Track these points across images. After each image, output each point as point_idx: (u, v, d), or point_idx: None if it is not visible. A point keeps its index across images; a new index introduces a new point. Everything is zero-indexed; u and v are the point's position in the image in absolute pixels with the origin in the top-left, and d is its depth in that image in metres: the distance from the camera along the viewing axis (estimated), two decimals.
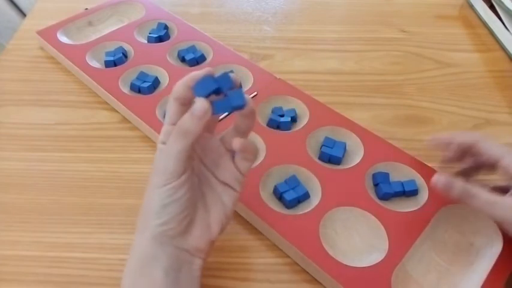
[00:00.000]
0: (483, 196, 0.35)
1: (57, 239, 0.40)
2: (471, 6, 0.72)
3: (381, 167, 0.44)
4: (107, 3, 0.66)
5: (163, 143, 0.31)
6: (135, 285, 0.30)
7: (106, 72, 0.54)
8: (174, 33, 0.61)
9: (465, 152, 0.40)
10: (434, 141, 0.42)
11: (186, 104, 0.31)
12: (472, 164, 0.41)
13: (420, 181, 0.42)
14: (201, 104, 0.29)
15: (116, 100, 0.51)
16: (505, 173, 0.36)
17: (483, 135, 0.39)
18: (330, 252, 0.37)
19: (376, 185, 0.43)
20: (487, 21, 0.68)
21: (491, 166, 0.38)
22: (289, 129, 0.48)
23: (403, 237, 0.38)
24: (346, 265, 0.36)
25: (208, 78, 0.30)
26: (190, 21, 0.64)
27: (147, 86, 0.51)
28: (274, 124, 0.48)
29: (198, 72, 0.30)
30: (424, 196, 0.41)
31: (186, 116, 0.30)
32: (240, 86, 0.31)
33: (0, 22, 1.01)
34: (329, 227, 0.39)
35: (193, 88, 0.30)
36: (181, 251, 0.31)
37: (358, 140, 0.46)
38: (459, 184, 0.35)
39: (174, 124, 0.31)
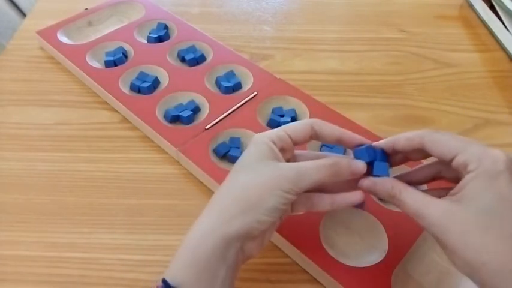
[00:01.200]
0: (414, 196, 0.29)
1: (57, 239, 0.40)
2: (471, 6, 0.72)
3: None
4: (106, 3, 0.66)
5: (274, 142, 0.32)
6: (199, 277, 0.29)
7: (106, 72, 0.54)
8: (174, 33, 0.61)
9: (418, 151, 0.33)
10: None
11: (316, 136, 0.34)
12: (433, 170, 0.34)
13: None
14: (362, 167, 0.32)
15: (116, 100, 0.51)
16: (459, 172, 0.29)
17: (434, 130, 0.32)
18: (330, 252, 0.37)
19: None
20: (487, 21, 0.68)
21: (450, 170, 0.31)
22: None
23: (403, 237, 0.38)
24: (346, 265, 0.36)
25: (370, 148, 0.33)
26: (190, 21, 0.64)
27: (147, 86, 0.51)
28: (274, 124, 0.48)
29: (362, 139, 0.34)
30: None
31: (345, 162, 0.32)
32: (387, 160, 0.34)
33: (0, 22, 1.01)
34: (329, 227, 0.39)
35: (355, 151, 0.34)
36: (241, 254, 0.31)
37: None
38: (385, 182, 0.31)
39: (289, 136, 0.33)
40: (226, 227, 0.29)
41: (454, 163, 0.29)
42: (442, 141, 0.30)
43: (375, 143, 0.34)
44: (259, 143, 0.32)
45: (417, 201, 0.29)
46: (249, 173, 0.31)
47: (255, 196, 0.30)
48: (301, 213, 0.36)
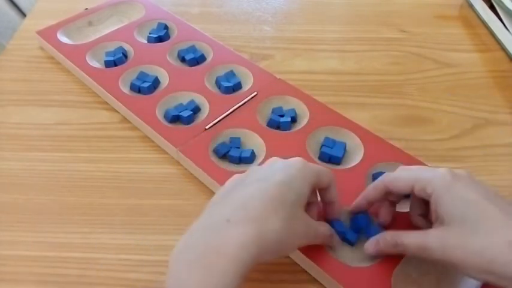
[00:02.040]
0: (412, 236, 0.33)
1: (57, 239, 0.40)
2: (471, 6, 0.72)
3: (381, 167, 0.44)
4: (107, 3, 0.66)
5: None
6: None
7: (106, 72, 0.54)
8: (174, 33, 0.61)
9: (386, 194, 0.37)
10: (353, 207, 0.39)
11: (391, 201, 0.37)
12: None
13: None
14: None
15: (116, 100, 0.51)
16: (421, 198, 0.34)
17: (393, 171, 0.36)
18: (330, 253, 0.37)
19: None
20: (487, 21, 0.68)
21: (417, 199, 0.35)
22: (289, 129, 0.48)
23: None
24: (346, 265, 0.36)
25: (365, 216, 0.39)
26: (190, 21, 0.64)
27: (147, 86, 0.51)
28: (274, 124, 0.48)
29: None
30: None
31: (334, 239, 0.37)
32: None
33: (0, 22, 1.01)
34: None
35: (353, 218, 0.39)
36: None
37: (358, 140, 0.46)
38: (384, 237, 0.35)
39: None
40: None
41: (416, 193, 0.34)
42: (398, 179, 0.35)
43: (351, 207, 0.39)
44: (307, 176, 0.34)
45: (415, 239, 0.33)
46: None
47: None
48: None
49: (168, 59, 0.56)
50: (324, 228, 0.36)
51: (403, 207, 0.40)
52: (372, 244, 0.35)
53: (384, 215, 0.38)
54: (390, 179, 0.36)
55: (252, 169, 0.35)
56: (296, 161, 0.34)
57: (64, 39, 0.59)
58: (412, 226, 0.37)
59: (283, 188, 0.32)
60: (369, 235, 0.37)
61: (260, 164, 0.44)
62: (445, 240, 0.30)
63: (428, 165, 0.44)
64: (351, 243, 0.38)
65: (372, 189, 0.37)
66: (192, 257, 0.28)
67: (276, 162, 0.35)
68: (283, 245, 0.31)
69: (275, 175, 0.33)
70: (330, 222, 0.38)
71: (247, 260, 0.28)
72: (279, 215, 0.30)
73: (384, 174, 0.37)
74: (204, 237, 0.29)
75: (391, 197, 0.37)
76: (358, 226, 0.39)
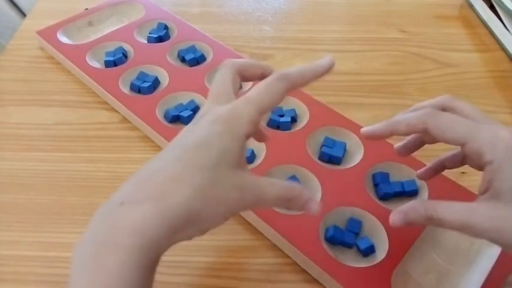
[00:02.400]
0: (452, 210, 0.27)
1: (57, 239, 0.40)
2: (471, 6, 0.72)
3: (381, 167, 0.44)
4: (107, 3, 0.66)
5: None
6: None
7: (106, 72, 0.54)
8: (174, 33, 0.61)
9: (421, 139, 0.32)
10: (368, 134, 0.32)
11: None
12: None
13: (420, 181, 0.42)
14: (315, 210, 0.29)
15: (116, 100, 0.51)
16: (472, 162, 0.29)
17: (439, 104, 0.31)
18: (330, 252, 0.37)
19: (376, 185, 0.43)
20: (487, 21, 0.68)
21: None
22: (289, 129, 0.48)
23: (403, 237, 0.38)
24: (346, 265, 0.36)
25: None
26: (190, 21, 0.64)
27: (147, 86, 0.51)
28: (274, 124, 0.48)
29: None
30: (424, 196, 0.41)
31: (304, 197, 0.29)
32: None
33: (0, 22, 1.01)
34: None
35: None
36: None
37: (358, 140, 0.46)
38: (415, 208, 0.29)
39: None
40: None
41: (466, 151, 0.28)
42: (448, 128, 0.28)
43: (363, 130, 0.33)
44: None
45: (458, 215, 0.27)
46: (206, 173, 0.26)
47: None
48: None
49: (168, 59, 0.56)
50: (277, 188, 0.28)
51: None
52: (399, 216, 0.29)
53: (410, 147, 0.33)
54: (436, 124, 0.28)
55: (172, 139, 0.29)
56: (220, 111, 0.27)
57: (64, 39, 0.59)
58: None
59: (198, 150, 0.26)
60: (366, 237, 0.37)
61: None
62: (498, 221, 0.26)
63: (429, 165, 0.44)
64: (349, 246, 0.38)
65: (406, 125, 0.30)
66: (83, 252, 0.24)
67: (201, 118, 0.28)
68: (201, 218, 0.25)
69: (190, 137, 0.27)
70: (327, 228, 0.38)
71: (146, 246, 0.24)
72: (191, 184, 0.25)
73: (426, 112, 0.29)
74: (93, 229, 0.25)
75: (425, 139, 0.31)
76: (355, 228, 0.39)
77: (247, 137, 0.27)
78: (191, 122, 0.29)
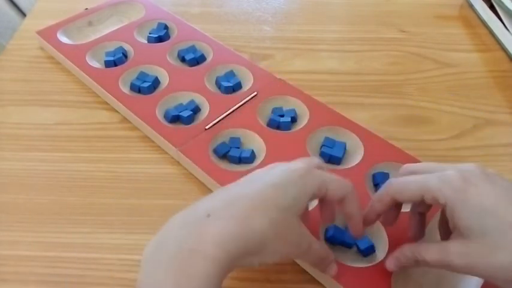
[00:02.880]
0: (431, 250, 0.30)
1: (57, 239, 0.40)
2: (471, 6, 0.72)
3: (381, 167, 0.44)
4: (107, 3, 0.66)
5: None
6: None
7: (106, 72, 0.54)
8: (174, 33, 0.61)
9: (394, 205, 0.34)
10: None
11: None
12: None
13: None
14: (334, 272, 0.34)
15: (116, 100, 0.51)
16: (434, 203, 0.31)
17: (395, 177, 0.34)
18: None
19: (376, 185, 0.43)
20: (487, 21, 0.68)
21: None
22: (289, 129, 0.48)
23: (403, 237, 0.38)
24: (346, 265, 0.36)
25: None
26: (190, 21, 0.64)
27: (147, 86, 0.51)
28: (274, 124, 0.48)
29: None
30: None
31: (332, 266, 0.34)
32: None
33: (0, 22, 1.01)
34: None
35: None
36: None
37: (358, 140, 0.46)
38: (404, 253, 0.32)
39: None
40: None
41: (427, 202, 0.31)
42: (403, 190, 0.32)
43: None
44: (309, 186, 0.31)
45: (435, 255, 0.30)
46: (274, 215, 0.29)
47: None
48: None
49: (168, 59, 0.56)
50: (319, 246, 0.32)
51: (403, 207, 0.40)
52: (392, 261, 0.33)
53: (390, 218, 0.36)
54: (396, 190, 0.33)
55: (252, 172, 0.33)
56: (299, 166, 0.32)
57: (64, 39, 0.59)
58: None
59: (278, 191, 0.30)
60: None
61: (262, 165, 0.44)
62: (468, 257, 0.28)
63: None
64: (349, 246, 0.38)
65: (378, 202, 0.34)
66: (165, 256, 0.26)
67: (276, 165, 0.33)
68: (268, 250, 0.28)
69: (271, 177, 0.31)
70: (327, 228, 0.39)
71: (225, 260, 0.26)
72: (268, 217, 0.28)
73: (387, 182, 0.34)
74: (180, 234, 0.27)
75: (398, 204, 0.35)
76: None
77: (313, 198, 0.32)
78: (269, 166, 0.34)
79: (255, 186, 0.30)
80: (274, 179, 0.31)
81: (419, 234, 0.36)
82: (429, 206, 0.33)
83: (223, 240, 0.26)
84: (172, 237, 0.28)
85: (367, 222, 0.35)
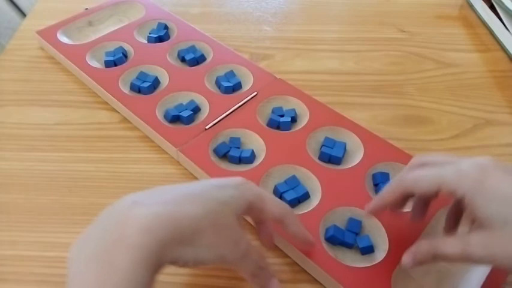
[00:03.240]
0: (451, 244, 0.29)
1: (57, 239, 0.40)
2: (471, 6, 0.72)
3: (381, 167, 0.44)
4: (107, 3, 0.66)
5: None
6: None
7: (106, 72, 0.54)
8: (174, 33, 0.61)
9: (406, 197, 0.34)
10: (372, 209, 0.36)
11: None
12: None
13: None
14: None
15: (116, 100, 0.51)
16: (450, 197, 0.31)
17: (408, 168, 0.34)
18: (330, 253, 0.37)
19: (376, 185, 0.43)
20: (487, 21, 0.68)
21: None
22: (289, 129, 0.48)
23: (403, 237, 0.38)
24: (346, 265, 0.36)
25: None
26: (190, 21, 0.64)
27: (147, 86, 0.51)
28: (274, 124, 0.48)
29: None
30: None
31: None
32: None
33: (0, 22, 1.01)
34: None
35: None
36: None
37: (358, 140, 0.46)
38: (420, 249, 0.31)
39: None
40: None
41: (445, 195, 0.30)
42: (420, 182, 0.31)
43: (366, 212, 0.36)
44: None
45: (455, 248, 0.29)
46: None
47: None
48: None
49: (168, 59, 0.56)
50: (258, 255, 0.31)
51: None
52: (409, 257, 0.32)
53: (418, 213, 0.35)
54: (411, 182, 0.32)
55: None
56: (237, 179, 0.32)
57: (64, 39, 0.59)
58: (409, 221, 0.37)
59: (217, 188, 0.30)
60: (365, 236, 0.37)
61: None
62: (490, 248, 0.28)
63: None
64: (349, 246, 0.38)
65: (390, 193, 0.34)
66: (89, 251, 0.25)
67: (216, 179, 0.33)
68: (203, 242, 0.27)
69: (211, 181, 0.32)
70: (327, 228, 0.39)
71: (152, 247, 0.24)
72: (203, 204, 0.27)
73: (401, 174, 0.33)
74: (104, 226, 0.26)
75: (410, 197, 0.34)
76: (355, 228, 0.39)
77: (250, 206, 0.31)
78: None
79: (194, 184, 0.30)
80: (214, 182, 0.31)
81: (419, 218, 0.36)
82: (437, 195, 0.33)
83: (148, 225, 0.25)
84: (97, 231, 0.26)
85: (375, 212, 0.35)
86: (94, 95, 0.54)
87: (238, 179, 0.32)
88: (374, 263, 0.36)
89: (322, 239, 0.38)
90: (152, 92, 0.52)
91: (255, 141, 0.46)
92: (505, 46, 0.63)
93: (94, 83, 0.53)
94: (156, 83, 0.53)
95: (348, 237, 0.38)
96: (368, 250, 0.37)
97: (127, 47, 0.58)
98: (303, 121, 0.49)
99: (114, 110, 0.52)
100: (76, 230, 0.40)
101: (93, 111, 0.52)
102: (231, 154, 0.45)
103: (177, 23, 0.63)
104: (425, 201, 0.35)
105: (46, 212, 0.42)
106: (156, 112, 0.49)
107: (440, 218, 0.40)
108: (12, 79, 0.57)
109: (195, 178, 0.45)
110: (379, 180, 0.42)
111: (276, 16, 0.70)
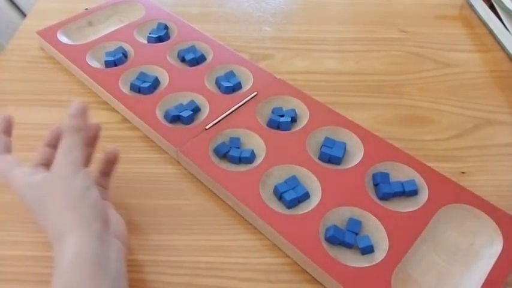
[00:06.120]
0: None
1: None
2: (471, 6, 0.72)
3: (381, 167, 0.44)
4: (107, 3, 0.66)
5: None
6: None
7: (106, 72, 0.54)
8: (174, 33, 0.61)
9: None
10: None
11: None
12: None
13: (420, 181, 0.42)
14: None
15: (116, 100, 0.51)
16: None
17: None
18: (330, 252, 0.37)
19: (376, 185, 0.43)
20: (487, 21, 0.68)
21: None
22: (289, 129, 0.48)
23: (403, 237, 0.38)
24: (346, 265, 0.36)
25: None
26: (190, 21, 0.64)
27: (147, 86, 0.51)
28: (274, 124, 0.48)
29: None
30: (424, 196, 0.41)
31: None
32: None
33: (0, 22, 1.01)
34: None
35: None
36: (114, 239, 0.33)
37: (358, 140, 0.46)
38: None
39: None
40: None
41: None
42: None
43: None
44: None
45: None
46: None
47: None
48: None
49: (168, 59, 0.56)
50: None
51: (403, 207, 0.41)
52: None
53: None
54: None
55: None
56: None
57: (64, 39, 0.59)
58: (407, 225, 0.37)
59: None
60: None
61: None
62: None
63: (429, 165, 0.44)
64: (349, 246, 0.38)
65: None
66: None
67: None
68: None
69: None
70: (327, 228, 0.39)
71: None
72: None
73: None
74: None
75: None
76: (355, 228, 0.39)
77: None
78: None
79: None
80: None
81: None
82: None
83: None
84: None
85: None
86: (94, 95, 0.54)
87: None
88: (374, 263, 0.36)
89: (322, 239, 0.38)
90: (152, 92, 0.52)
91: (255, 142, 0.46)
92: (505, 46, 0.63)
93: (94, 83, 0.53)
94: (156, 83, 0.53)
95: (348, 237, 0.38)
96: (368, 250, 0.37)
97: (127, 47, 0.58)
98: (303, 121, 0.49)
99: (114, 110, 0.52)
100: None
101: (93, 111, 0.52)
102: (231, 154, 0.45)
103: (177, 23, 0.63)
104: None
105: None
106: (156, 112, 0.49)
107: (440, 217, 0.40)
108: (12, 79, 0.57)
109: (195, 178, 0.45)
110: (379, 180, 0.42)
111: (276, 16, 0.70)
